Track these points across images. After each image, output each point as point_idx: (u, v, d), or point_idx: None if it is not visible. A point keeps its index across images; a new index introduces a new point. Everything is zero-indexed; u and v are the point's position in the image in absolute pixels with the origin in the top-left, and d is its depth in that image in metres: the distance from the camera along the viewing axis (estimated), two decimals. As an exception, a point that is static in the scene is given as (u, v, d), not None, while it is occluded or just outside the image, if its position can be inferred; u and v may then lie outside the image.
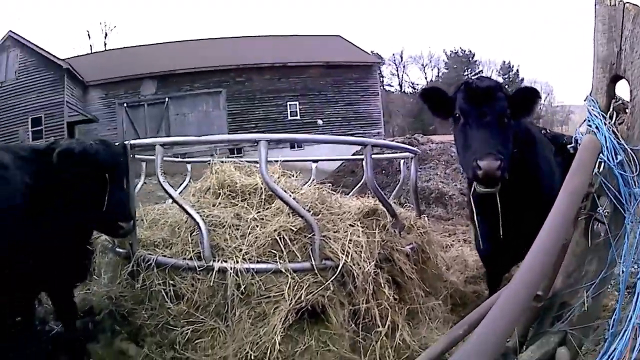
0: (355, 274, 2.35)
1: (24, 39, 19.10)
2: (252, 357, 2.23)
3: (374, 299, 2.46)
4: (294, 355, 2.35)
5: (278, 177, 2.42)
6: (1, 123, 17.98)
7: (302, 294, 2.34)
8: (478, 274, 3.00)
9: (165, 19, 64.60)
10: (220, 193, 2.39)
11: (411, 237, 2.55)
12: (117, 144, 2.30)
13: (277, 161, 2.46)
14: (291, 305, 2.33)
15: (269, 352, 2.25)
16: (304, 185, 2.56)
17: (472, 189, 2.12)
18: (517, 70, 38.52)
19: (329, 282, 2.35)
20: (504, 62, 38.74)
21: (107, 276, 2.53)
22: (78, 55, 23.91)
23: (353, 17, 58.33)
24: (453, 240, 3.87)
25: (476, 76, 2.33)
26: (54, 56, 19.15)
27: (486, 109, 1.95)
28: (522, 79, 36.81)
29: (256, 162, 2.33)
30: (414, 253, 2.52)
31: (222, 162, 2.50)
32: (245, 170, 2.52)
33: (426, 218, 2.84)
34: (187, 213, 2.23)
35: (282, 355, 2.27)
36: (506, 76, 37.13)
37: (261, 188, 2.38)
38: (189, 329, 2.39)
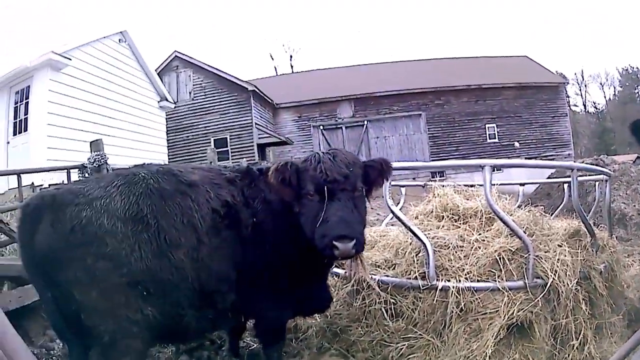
0: (560, 291, 3.00)
1: (195, 59, 20.67)
2: (463, 370, 3.02)
3: (572, 314, 3.24)
4: None
5: (495, 201, 2.90)
6: (178, 144, 19.48)
7: (514, 310, 3.06)
8: None
9: (346, 41, 72.19)
10: (443, 216, 2.97)
11: (604, 256, 3.14)
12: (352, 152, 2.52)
13: (493, 185, 2.93)
14: (504, 321, 3.07)
15: None
16: (514, 207, 3.24)
17: None
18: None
19: (537, 298, 3.15)
20: None
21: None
22: (263, 77, 27.07)
23: (530, 35, 62.86)
24: (633, 260, 4.56)
25: None
26: (237, 78, 20.71)
27: None
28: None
29: (470, 185, 3.04)
30: (605, 271, 3.11)
31: (442, 186, 3.18)
32: (463, 193, 3.17)
33: (615, 238, 3.65)
34: (415, 235, 2.75)
35: (489, 369, 3.07)
36: None
37: (481, 211, 2.96)
38: (404, 345, 2.97)
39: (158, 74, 16.15)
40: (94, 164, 5.07)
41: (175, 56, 20.71)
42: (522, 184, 4.02)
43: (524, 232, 2.88)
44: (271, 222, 2.51)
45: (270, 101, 22.50)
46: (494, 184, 2.86)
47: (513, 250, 2.87)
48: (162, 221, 2.33)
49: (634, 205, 6.91)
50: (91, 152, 5.17)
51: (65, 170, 5.22)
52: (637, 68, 42.91)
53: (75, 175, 5.26)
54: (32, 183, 6.19)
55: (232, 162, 16.40)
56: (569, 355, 3.02)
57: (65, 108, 10.29)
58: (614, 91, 45.01)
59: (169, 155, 15.09)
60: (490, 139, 23.74)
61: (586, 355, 3.04)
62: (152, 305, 2.35)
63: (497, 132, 23.80)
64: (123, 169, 2.75)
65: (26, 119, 10.28)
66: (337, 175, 2.26)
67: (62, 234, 2.31)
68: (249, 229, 2.49)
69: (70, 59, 10.48)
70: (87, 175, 5.07)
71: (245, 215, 2.50)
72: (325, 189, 2.24)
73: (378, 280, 2.83)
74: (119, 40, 12.99)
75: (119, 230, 2.31)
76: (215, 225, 2.43)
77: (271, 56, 54.67)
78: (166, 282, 2.33)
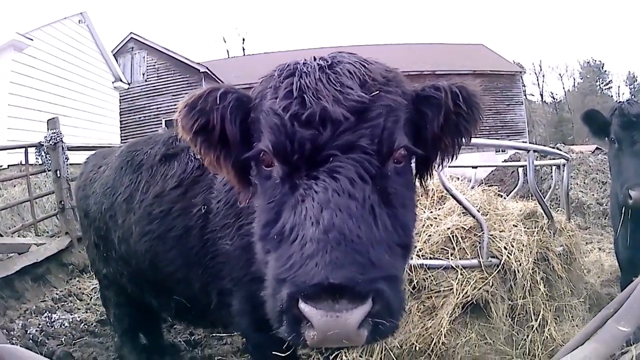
0: (516, 270, 3.12)
1: (150, 41, 21.02)
2: (417, 349, 3.01)
3: (530, 295, 3.23)
4: (455, 347, 3.01)
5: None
6: (130, 125, 19.75)
7: (468, 289, 3.07)
8: (612, 278, 3.72)
9: (302, 25, 74.17)
10: (393, 194, 3.07)
11: (562, 239, 3.15)
12: None
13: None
14: (458, 300, 3.05)
15: (433, 344, 2.98)
16: (468, 188, 3.28)
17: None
18: (641, 81, 43.02)
19: (491, 277, 3.12)
20: (629, 72, 43.54)
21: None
22: (215, 60, 27.42)
23: (490, 25, 65.23)
24: (592, 248, 4.73)
25: (627, 100, 2.95)
26: (189, 60, 21.03)
27: (637, 137, 2.75)
28: (646, 90, 41.46)
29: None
30: (563, 254, 3.13)
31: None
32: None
33: (573, 222, 3.62)
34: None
35: (445, 347, 3.04)
36: (631, 86, 42.10)
37: (432, 189, 3.00)
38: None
39: (114, 55, 16.50)
40: (50, 142, 5.24)
41: (131, 37, 21.05)
42: (474, 167, 4.01)
43: (478, 210, 2.88)
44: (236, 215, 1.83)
45: (221, 83, 23.15)
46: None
47: (466, 228, 2.90)
48: (112, 198, 2.51)
49: (592, 195, 6.92)
50: (48, 130, 5.32)
51: (24, 149, 5.41)
52: (600, 61, 43.84)
53: (32, 154, 5.45)
54: (-7, 162, 6.47)
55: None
56: (528, 336, 3.04)
57: (25, 88, 10.44)
58: (574, 82, 45.93)
59: (121, 136, 15.28)
60: (441, 125, 24.75)
61: (547, 337, 3.05)
62: (112, 266, 2.65)
63: (449, 119, 24.83)
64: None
65: (-11, 99, 10.27)
66: (331, 108, 1.09)
67: (79, 185, 2.90)
68: (195, 218, 2.03)
69: (32, 40, 10.60)
70: (43, 153, 5.27)
71: (197, 197, 2.07)
72: (299, 145, 1.09)
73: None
74: (79, 21, 13.22)
75: (96, 198, 2.67)
76: (151, 210, 2.23)
77: (224, 39, 55.31)
78: (114, 251, 2.56)
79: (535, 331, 3.05)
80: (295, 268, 0.97)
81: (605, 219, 6.37)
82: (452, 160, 1.43)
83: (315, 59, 1.26)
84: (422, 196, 3.00)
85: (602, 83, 43.58)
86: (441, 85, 1.28)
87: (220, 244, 1.85)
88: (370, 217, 1.05)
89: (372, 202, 1.07)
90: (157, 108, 20.80)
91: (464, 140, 1.38)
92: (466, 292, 2.91)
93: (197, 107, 1.26)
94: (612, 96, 40.95)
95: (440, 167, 1.47)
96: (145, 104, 20.86)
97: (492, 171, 8.43)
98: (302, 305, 0.94)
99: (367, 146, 1.09)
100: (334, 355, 2.46)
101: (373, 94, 1.13)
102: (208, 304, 2.07)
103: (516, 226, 3.00)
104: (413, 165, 1.36)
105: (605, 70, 43.91)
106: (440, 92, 1.27)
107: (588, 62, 44.67)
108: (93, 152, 3.24)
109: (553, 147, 8.92)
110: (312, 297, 0.92)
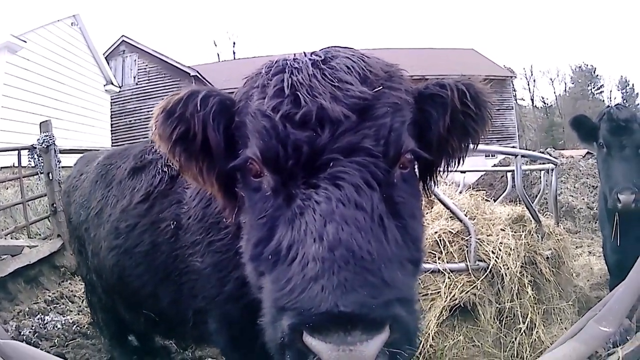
0: (503, 274, 3.20)
1: (141, 44, 21.16)
2: (405, 351, 3.07)
3: (517, 298, 3.28)
4: (443, 350, 3.10)
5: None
6: (121, 128, 19.80)
7: (456, 292, 3.13)
8: (601, 281, 3.77)
9: (292, 30, 73.93)
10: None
11: (550, 243, 3.23)
12: None
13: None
14: (446, 303, 3.11)
15: (421, 346, 3.02)
16: (456, 193, 3.35)
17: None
18: (633, 86, 43.85)
19: (479, 280, 3.17)
20: (621, 77, 44.04)
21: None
22: (206, 63, 27.36)
23: (481, 30, 65.74)
24: (581, 252, 4.81)
25: (615, 105, 3.01)
26: (180, 63, 21.15)
27: (626, 142, 2.81)
28: (638, 94, 42.44)
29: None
30: (552, 257, 3.20)
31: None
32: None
33: (562, 227, 3.68)
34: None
35: (432, 350, 3.10)
36: (623, 91, 42.72)
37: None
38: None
39: (105, 57, 16.56)
40: (43, 145, 5.27)
41: (123, 40, 21.18)
42: (463, 172, 4.07)
43: (465, 215, 2.93)
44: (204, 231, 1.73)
45: (211, 86, 23.85)
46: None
47: (454, 232, 2.95)
48: (87, 211, 2.58)
49: (583, 199, 6.99)
50: (40, 132, 5.35)
51: (16, 152, 5.44)
52: (592, 66, 44.35)
53: (25, 157, 5.47)
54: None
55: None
56: (515, 338, 3.15)
57: (18, 90, 10.45)
58: (565, 87, 46.25)
59: (112, 139, 15.38)
60: (430, 129, 25.16)
61: (535, 340, 3.20)
62: (91, 271, 2.68)
63: (438, 123, 25.26)
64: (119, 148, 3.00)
65: (-18, 101, 10.27)
66: (329, 106, 0.99)
67: (64, 189, 3.03)
68: (163, 234, 1.93)
69: (25, 42, 10.63)
70: (36, 156, 5.29)
71: (166, 212, 1.97)
72: (293, 149, 0.99)
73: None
74: (72, 23, 13.29)
75: (75, 208, 2.76)
76: (118, 225, 2.20)
77: (215, 43, 56.27)
78: (90, 262, 2.62)
79: (523, 334, 3.10)
80: (297, 292, 0.84)
81: (595, 223, 6.45)
82: (458, 165, 1.32)
83: (306, 55, 1.15)
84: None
85: (593, 88, 44.04)
86: (447, 83, 1.18)
87: (190, 261, 1.75)
88: (380, 230, 0.93)
89: (381, 212, 0.95)
90: (148, 111, 21.03)
91: (471, 142, 1.25)
92: (454, 296, 2.96)
93: (176, 113, 1.15)
94: (603, 101, 41.31)
95: (446, 173, 1.34)
96: (136, 107, 20.96)
97: (481, 175, 8.51)
98: (309, 340, 0.81)
99: (372, 148, 0.98)
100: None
101: (376, 89, 1.03)
102: (179, 319, 1.99)
103: (504, 230, 3.05)
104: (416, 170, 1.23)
105: (597, 75, 44.41)
106: (446, 90, 1.17)
107: (580, 67, 45.17)
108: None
109: (543, 152, 9.01)
110: (320, 329, 0.80)
